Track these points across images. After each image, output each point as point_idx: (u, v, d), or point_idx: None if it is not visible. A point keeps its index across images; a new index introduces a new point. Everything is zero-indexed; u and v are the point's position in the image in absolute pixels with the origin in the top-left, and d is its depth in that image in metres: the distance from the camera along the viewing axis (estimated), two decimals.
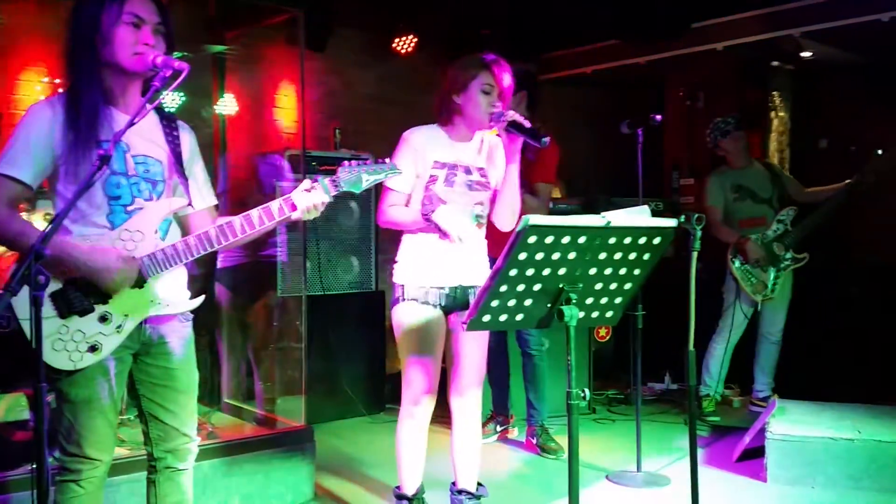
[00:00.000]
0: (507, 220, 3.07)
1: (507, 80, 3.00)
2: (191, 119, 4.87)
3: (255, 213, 2.38)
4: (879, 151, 5.02)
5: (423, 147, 3.01)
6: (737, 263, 5.03)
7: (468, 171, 3.05)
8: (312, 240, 4.97)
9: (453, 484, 3.24)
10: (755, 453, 4.09)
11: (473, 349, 3.10)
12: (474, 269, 3.07)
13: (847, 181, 4.91)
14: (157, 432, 2.44)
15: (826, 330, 5.73)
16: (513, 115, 2.86)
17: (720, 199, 5.12)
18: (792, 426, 3.92)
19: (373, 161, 2.54)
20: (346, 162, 2.51)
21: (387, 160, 2.59)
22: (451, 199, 3.00)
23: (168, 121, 2.45)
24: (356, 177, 2.49)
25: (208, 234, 2.34)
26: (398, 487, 3.19)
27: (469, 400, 3.13)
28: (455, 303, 3.05)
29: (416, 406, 3.07)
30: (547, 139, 2.81)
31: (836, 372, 5.53)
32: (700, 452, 4.35)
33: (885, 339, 5.36)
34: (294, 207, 2.40)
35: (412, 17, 5.74)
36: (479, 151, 3.11)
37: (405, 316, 3.03)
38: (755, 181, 5.16)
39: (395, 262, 3.10)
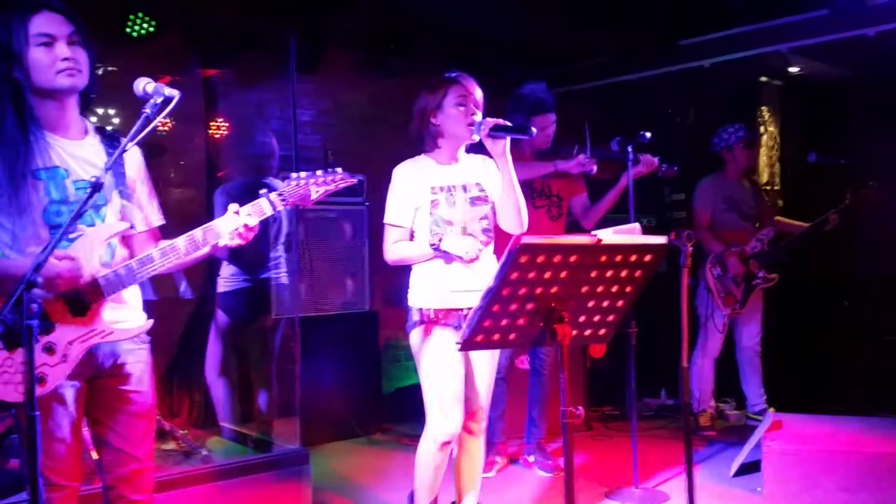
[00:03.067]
0: (513, 221, 3.06)
1: (477, 90, 3.09)
2: (182, 143, 4.91)
3: (198, 232, 2.32)
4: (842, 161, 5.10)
5: (415, 177, 3.05)
6: (716, 274, 5.07)
7: (466, 189, 3.08)
8: (306, 261, 4.97)
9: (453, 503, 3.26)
10: (752, 467, 4.10)
11: (486, 370, 3.13)
12: None
13: (812, 222, 5.04)
14: (108, 458, 2.39)
15: (820, 342, 5.74)
16: (491, 121, 2.92)
17: (710, 204, 5.16)
18: (788, 440, 3.92)
19: (324, 171, 2.41)
20: (293, 174, 2.40)
21: (338, 169, 2.42)
22: (457, 218, 3.04)
23: (111, 141, 2.39)
24: (304, 189, 2.39)
25: (151, 256, 2.29)
26: (412, 495, 3.16)
27: (477, 420, 3.15)
28: None
29: (446, 430, 3.03)
30: (533, 129, 2.90)
31: (832, 384, 5.53)
32: (697, 468, 4.34)
33: (880, 351, 5.37)
34: (217, 236, 2.33)
35: (403, 38, 5.77)
36: (469, 169, 3.15)
37: (427, 340, 3.03)
38: (743, 197, 5.22)
39: (410, 285, 3.12)
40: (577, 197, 4.52)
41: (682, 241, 2.95)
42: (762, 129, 6.39)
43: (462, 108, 3.02)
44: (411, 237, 3.10)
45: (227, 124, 5.06)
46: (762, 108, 6.38)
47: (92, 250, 2.25)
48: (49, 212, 2.24)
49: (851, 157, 5.27)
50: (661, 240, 2.33)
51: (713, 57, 5.72)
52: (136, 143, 2.16)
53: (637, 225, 2.68)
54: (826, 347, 5.69)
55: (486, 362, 3.14)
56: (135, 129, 2.12)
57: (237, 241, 2.33)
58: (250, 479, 3.53)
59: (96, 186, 1.99)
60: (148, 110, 2.13)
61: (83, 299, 2.23)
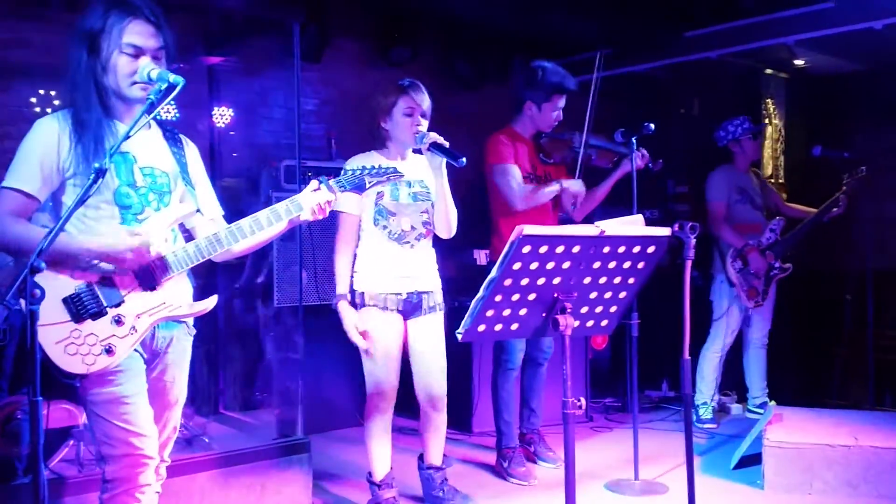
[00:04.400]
0: (442, 228, 3.43)
1: (425, 101, 3.37)
2: (185, 130, 4.90)
3: (262, 214, 2.43)
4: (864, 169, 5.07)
5: None
6: (737, 268, 5.06)
7: (410, 184, 3.39)
8: (309, 250, 4.97)
9: (420, 460, 3.64)
10: (752, 460, 4.10)
11: (431, 345, 3.45)
12: (427, 276, 3.45)
13: (822, 206, 5.05)
14: None
15: (822, 336, 5.73)
16: (433, 137, 3.17)
17: (725, 196, 5.15)
18: (789, 433, 3.92)
19: (375, 167, 2.65)
20: (349, 167, 2.64)
21: (388, 167, 2.70)
22: (400, 209, 3.35)
23: (172, 135, 2.51)
24: (359, 178, 2.59)
25: (217, 235, 2.39)
26: (370, 474, 3.55)
27: (433, 389, 3.48)
28: (412, 307, 3.41)
29: (383, 401, 3.42)
30: (463, 159, 3.10)
31: (833, 378, 5.53)
32: (697, 460, 4.35)
33: (881, 345, 5.37)
34: (300, 208, 2.46)
35: (407, 27, 5.76)
36: (415, 167, 3.44)
37: (368, 321, 3.36)
38: (754, 188, 5.24)
39: (355, 270, 3.42)
40: None
41: (685, 233, 2.95)
42: (767, 121, 6.37)
43: (409, 119, 3.31)
44: (359, 225, 3.41)
45: (231, 111, 5.05)
46: (767, 100, 6.35)
47: (161, 229, 2.34)
48: (119, 192, 2.32)
49: (857, 150, 5.26)
50: (664, 231, 2.33)
51: (719, 49, 5.70)
52: (139, 129, 2.18)
53: (640, 216, 2.67)
54: (827, 341, 5.69)
55: (429, 338, 3.43)
56: (139, 114, 2.15)
57: (317, 217, 2.49)
58: (252, 466, 3.55)
59: (100, 172, 2.01)
60: (152, 96, 2.16)
61: (153, 274, 2.31)
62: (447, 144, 3.16)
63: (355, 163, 3.30)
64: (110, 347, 2.24)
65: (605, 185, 4.33)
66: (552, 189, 4.08)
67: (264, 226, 2.42)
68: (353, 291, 3.41)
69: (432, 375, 3.47)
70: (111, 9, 2.27)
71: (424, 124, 3.32)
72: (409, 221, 3.37)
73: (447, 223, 3.39)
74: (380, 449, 3.49)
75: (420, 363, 3.47)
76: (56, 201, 2.33)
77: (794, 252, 5.21)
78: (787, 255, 5.16)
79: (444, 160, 3.19)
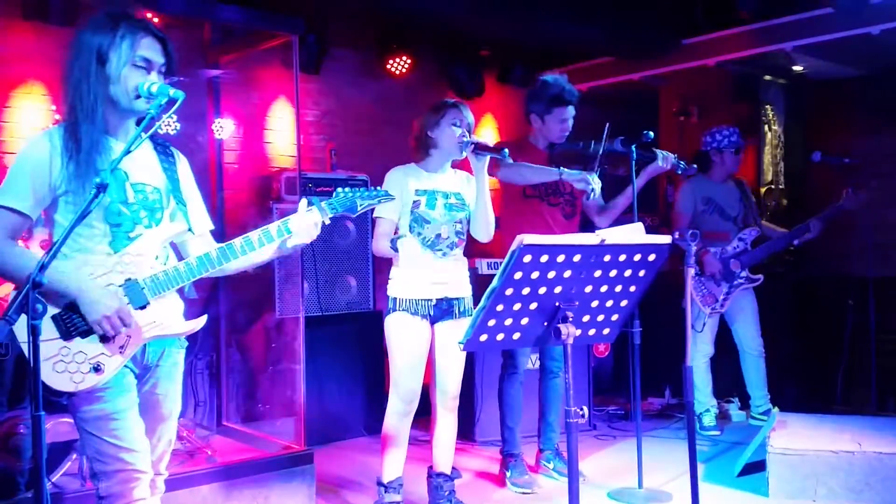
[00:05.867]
0: (481, 231, 3.61)
1: (470, 116, 3.58)
2: (186, 143, 4.93)
3: (254, 234, 2.43)
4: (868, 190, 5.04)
5: (405, 179, 3.54)
6: (692, 273, 5.06)
7: (446, 196, 3.57)
8: (310, 260, 4.98)
9: (430, 468, 3.68)
10: (756, 467, 4.09)
11: (456, 354, 3.55)
12: (457, 283, 3.59)
13: (795, 227, 5.00)
14: None
15: (825, 342, 5.73)
16: (477, 140, 3.45)
17: (690, 206, 5.15)
18: (792, 440, 3.91)
19: (367, 187, 2.67)
20: (339, 188, 2.61)
21: (380, 187, 2.77)
22: (434, 218, 3.51)
23: (163, 149, 2.48)
24: (351, 201, 2.60)
25: (209, 255, 2.37)
26: (379, 479, 3.60)
27: (450, 397, 3.59)
28: (441, 313, 3.53)
29: (405, 403, 3.52)
30: (506, 150, 3.37)
31: (837, 384, 5.52)
32: (701, 468, 4.34)
33: (885, 351, 5.36)
34: (291, 230, 2.45)
35: (406, 37, 5.78)
36: (452, 180, 3.61)
37: (397, 325, 3.50)
38: (725, 198, 5.19)
39: (390, 277, 3.56)
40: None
41: (686, 240, 2.96)
42: (766, 127, 6.39)
43: (455, 129, 3.51)
44: (396, 230, 3.56)
45: (231, 123, 5.06)
46: (766, 106, 6.36)
47: (152, 248, 2.33)
48: (111, 210, 2.29)
49: (856, 155, 5.26)
50: (665, 239, 2.33)
51: (717, 56, 5.71)
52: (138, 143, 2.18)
53: (640, 224, 2.68)
54: (830, 347, 5.68)
55: (454, 346, 3.42)
56: (139, 129, 2.15)
57: (304, 241, 2.47)
58: (254, 478, 3.54)
59: (100, 188, 2.00)
60: (152, 111, 2.17)
61: (143, 294, 2.28)
62: (490, 144, 3.46)
63: (395, 174, 3.52)
64: (98, 366, 2.21)
65: (622, 198, 4.27)
66: (548, 170, 3.99)
67: (256, 246, 2.42)
68: (386, 297, 3.56)
69: (451, 374, 3.58)
70: (121, 22, 2.27)
71: (468, 136, 3.53)
72: (443, 230, 3.52)
73: (487, 226, 3.59)
74: (394, 452, 3.56)
75: (441, 361, 3.57)
76: (48, 218, 2.31)
77: (793, 259, 5.20)
78: (759, 265, 5.11)
79: (487, 161, 3.42)
